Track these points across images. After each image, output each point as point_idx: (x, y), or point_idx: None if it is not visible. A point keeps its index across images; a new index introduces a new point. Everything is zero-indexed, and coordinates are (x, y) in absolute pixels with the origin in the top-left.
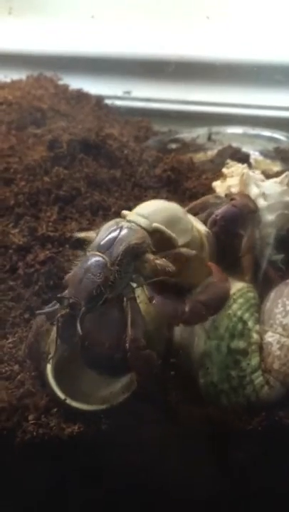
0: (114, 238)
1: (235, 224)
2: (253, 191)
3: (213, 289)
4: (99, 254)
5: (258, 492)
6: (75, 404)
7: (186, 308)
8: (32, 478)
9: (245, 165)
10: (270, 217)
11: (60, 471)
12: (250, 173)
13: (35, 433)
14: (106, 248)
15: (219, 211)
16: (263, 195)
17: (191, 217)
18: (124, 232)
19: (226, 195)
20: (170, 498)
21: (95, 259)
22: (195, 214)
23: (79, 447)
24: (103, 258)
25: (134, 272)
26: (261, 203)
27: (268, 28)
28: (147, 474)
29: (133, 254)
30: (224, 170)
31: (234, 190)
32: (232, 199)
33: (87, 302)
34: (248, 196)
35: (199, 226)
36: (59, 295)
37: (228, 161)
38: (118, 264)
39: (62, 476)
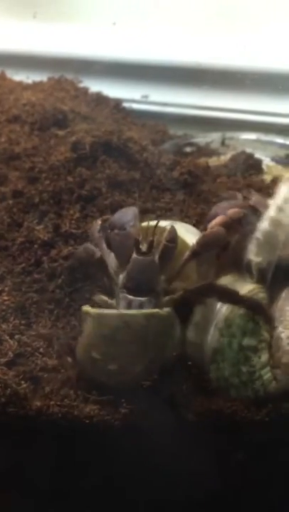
0: None
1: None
2: None
3: None
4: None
5: (264, 476)
6: None
7: None
8: (62, 454)
9: None
10: None
11: (83, 449)
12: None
13: (60, 414)
14: None
15: None
16: None
17: None
18: None
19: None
20: (177, 483)
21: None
22: None
23: (96, 428)
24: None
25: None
26: None
27: (283, 37)
28: (158, 457)
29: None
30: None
31: None
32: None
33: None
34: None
35: None
36: None
37: None
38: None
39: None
